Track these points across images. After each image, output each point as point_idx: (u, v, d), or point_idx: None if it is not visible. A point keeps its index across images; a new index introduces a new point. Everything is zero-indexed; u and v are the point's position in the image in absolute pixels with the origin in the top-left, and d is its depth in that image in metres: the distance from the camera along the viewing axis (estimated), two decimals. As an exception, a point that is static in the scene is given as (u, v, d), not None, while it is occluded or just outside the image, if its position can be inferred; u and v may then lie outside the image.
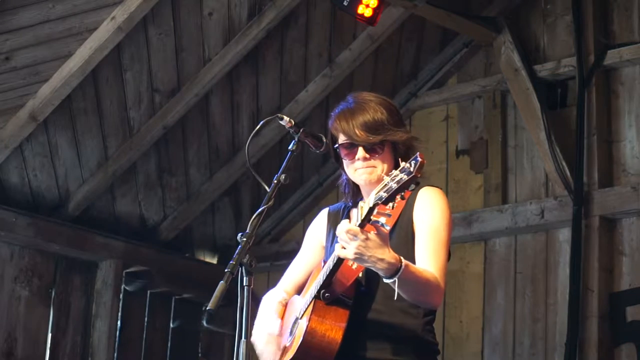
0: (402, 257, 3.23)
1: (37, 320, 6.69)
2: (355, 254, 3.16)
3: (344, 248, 3.18)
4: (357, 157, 3.52)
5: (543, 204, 6.60)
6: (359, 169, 3.53)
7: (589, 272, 6.31)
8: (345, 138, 3.53)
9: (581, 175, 6.45)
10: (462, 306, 6.88)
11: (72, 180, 6.75)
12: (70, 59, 6.06)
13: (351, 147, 3.53)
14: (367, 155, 3.51)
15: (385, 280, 3.24)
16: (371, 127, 3.49)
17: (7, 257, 6.59)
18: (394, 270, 3.20)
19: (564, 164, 6.54)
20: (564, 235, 6.54)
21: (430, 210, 3.48)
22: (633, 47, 6.52)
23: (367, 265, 3.21)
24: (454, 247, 6.80)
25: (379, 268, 3.20)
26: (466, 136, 7.19)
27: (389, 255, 3.18)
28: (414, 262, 3.35)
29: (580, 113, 6.54)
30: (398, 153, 3.49)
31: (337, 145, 3.57)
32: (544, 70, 6.82)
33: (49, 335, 6.76)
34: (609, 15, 6.68)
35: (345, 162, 3.58)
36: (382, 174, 3.42)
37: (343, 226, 3.16)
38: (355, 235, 3.14)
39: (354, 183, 3.63)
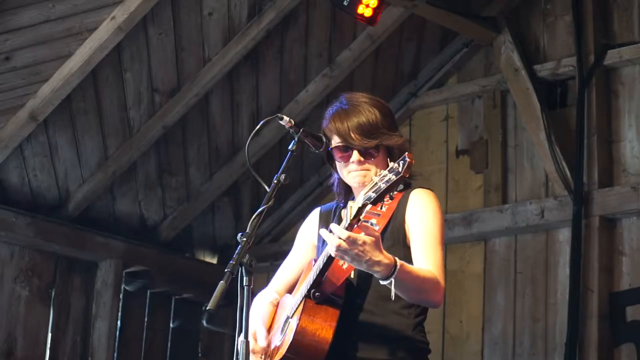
0: (396, 258, 3.23)
1: (37, 320, 6.69)
2: (353, 259, 3.16)
3: (340, 254, 3.18)
4: (351, 160, 3.51)
5: (543, 204, 6.60)
6: (353, 172, 3.53)
7: (589, 272, 6.30)
8: (340, 140, 3.52)
9: (581, 175, 6.45)
10: (462, 306, 6.88)
11: (72, 180, 6.75)
12: (70, 59, 6.06)
13: (346, 149, 3.52)
14: (362, 159, 3.51)
15: (381, 282, 3.24)
16: (366, 131, 3.48)
17: (7, 257, 6.59)
18: (390, 271, 3.20)
19: (564, 164, 6.54)
20: (564, 235, 6.53)
21: (422, 212, 3.48)
22: (633, 47, 6.51)
23: (362, 268, 3.21)
24: (454, 247, 6.87)
25: (375, 271, 3.20)
26: (466, 136, 7.19)
27: (383, 257, 3.18)
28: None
29: (580, 113, 6.54)
30: (392, 157, 3.46)
31: (331, 147, 3.56)
32: (544, 70, 6.82)
33: (49, 335, 6.75)
34: (609, 15, 6.68)
35: (339, 164, 3.58)
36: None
37: (340, 233, 3.15)
38: (354, 242, 3.14)
39: (345, 183, 3.63)
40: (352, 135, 3.48)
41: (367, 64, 7.15)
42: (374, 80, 7.27)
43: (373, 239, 3.15)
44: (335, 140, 3.54)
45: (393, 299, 3.26)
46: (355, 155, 3.50)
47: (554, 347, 6.43)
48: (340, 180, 3.64)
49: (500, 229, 6.74)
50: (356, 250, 3.14)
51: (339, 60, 6.96)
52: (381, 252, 3.18)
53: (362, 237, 3.14)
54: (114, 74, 6.42)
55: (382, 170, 3.12)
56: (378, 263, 3.17)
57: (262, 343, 3.56)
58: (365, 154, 3.50)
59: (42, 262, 6.75)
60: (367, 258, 3.16)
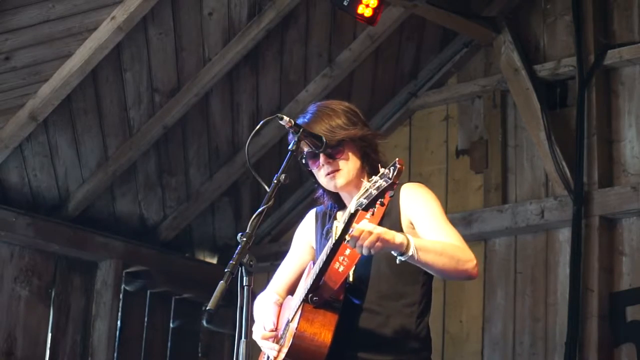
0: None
1: (37, 320, 6.69)
2: (375, 245, 3.17)
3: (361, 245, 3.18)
4: (320, 163, 3.56)
5: (543, 204, 6.60)
6: (327, 176, 3.57)
7: (589, 272, 6.31)
8: (307, 149, 3.56)
9: (581, 175, 6.45)
10: (462, 306, 6.88)
11: (72, 180, 6.75)
12: (70, 59, 6.06)
13: (314, 156, 3.56)
14: (330, 160, 3.54)
15: (403, 258, 3.24)
16: (327, 133, 3.51)
17: (7, 257, 6.59)
18: (405, 242, 3.22)
19: (564, 164, 6.54)
20: (564, 235, 6.54)
21: (420, 200, 3.52)
22: (633, 47, 6.52)
23: (388, 246, 3.21)
24: (454, 247, 6.86)
25: (397, 243, 3.21)
26: (466, 136, 7.19)
27: (393, 232, 3.21)
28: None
29: (580, 113, 6.54)
30: (358, 149, 3.53)
31: (301, 158, 3.59)
32: (544, 70, 6.82)
33: (49, 335, 6.76)
34: (609, 15, 6.68)
35: (315, 173, 3.62)
36: (351, 175, 3.50)
37: (364, 226, 3.16)
38: (371, 232, 3.15)
39: (330, 192, 3.67)
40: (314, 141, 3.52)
41: (367, 64, 7.15)
42: (374, 80, 7.27)
43: (372, 225, 3.18)
44: (305, 150, 3.58)
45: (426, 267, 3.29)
46: (322, 158, 3.54)
47: (554, 347, 6.43)
48: (325, 191, 3.68)
49: (500, 229, 6.74)
50: (374, 234, 3.16)
51: (339, 60, 6.96)
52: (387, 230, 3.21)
53: (365, 227, 3.17)
54: (114, 74, 6.42)
55: (374, 176, 3.14)
56: (393, 235, 3.20)
57: (269, 326, 3.59)
58: (331, 155, 3.54)
59: (42, 262, 6.75)
60: (384, 238, 3.18)
